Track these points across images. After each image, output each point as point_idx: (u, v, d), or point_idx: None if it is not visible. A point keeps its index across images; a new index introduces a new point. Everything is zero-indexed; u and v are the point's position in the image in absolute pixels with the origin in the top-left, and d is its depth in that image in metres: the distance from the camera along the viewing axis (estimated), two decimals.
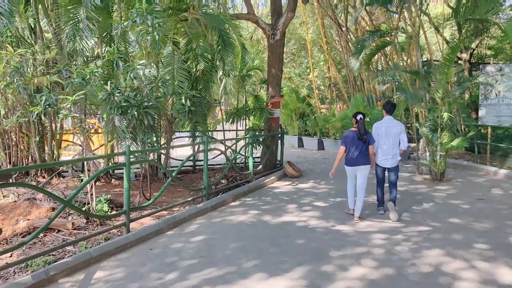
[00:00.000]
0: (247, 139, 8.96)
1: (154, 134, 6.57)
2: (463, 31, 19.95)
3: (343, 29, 15.38)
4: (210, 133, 10.53)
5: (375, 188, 6.75)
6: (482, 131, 11.22)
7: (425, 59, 15.96)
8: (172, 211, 6.39)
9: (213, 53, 7.74)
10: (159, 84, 6.26)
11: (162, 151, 8.30)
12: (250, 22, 10.08)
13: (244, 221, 6.08)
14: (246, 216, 6.37)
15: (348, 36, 15.69)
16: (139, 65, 5.84)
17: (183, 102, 6.85)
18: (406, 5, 9.43)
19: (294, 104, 17.02)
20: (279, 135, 10.31)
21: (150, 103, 5.95)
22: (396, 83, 9.87)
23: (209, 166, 10.46)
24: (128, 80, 5.83)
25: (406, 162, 12.23)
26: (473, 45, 19.78)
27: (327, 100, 18.22)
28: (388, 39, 9.70)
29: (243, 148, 9.35)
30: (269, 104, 9.88)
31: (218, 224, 5.93)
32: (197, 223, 5.99)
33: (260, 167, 9.49)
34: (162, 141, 8.58)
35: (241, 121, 10.08)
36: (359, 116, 5.98)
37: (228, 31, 7.72)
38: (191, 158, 9.92)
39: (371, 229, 5.64)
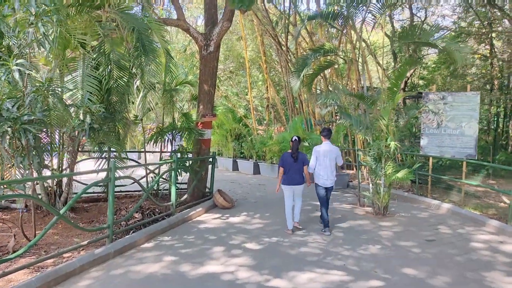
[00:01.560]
0: (170, 163, 7.61)
1: (38, 157, 5.03)
2: (398, 59, 20.30)
3: (283, 48, 14.67)
4: (128, 155, 9.04)
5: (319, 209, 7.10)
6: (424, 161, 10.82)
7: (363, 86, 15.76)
8: (62, 259, 4.87)
9: (132, 59, 6.40)
10: (48, 93, 4.81)
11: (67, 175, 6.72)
12: (181, 29, 8.87)
13: (155, 274, 4.72)
14: (159, 265, 5.02)
15: (288, 56, 15.01)
16: (16, 65, 4.36)
17: (81, 118, 5.40)
18: (350, 22, 8.77)
19: (230, 125, 15.91)
20: (210, 159, 9.08)
21: (33, 117, 4.47)
22: (338, 107, 9.12)
23: (126, 193, 9.07)
24: (2, 86, 4.34)
25: (345, 191, 11.50)
26: (408, 74, 20.17)
27: (265, 122, 17.36)
28: (331, 59, 8.97)
29: (166, 174, 8.00)
30: (199, 124, 8.65)
31: (119, 279, 4.52)
32: (91, 277, 4.53)
33: (185, 196, 8.15)
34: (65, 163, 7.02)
35: (167, 142, 8.73)
36: (294, 138, 6.78)
37: (150, 35, 6.44)
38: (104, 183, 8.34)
39: (314, 285, 4.55)
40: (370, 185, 8.71)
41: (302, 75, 8.05)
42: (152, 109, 9.03)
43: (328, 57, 9.13)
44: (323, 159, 6.88)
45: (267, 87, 16.40)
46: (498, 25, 17.84)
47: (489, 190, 10.59)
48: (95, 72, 6.48)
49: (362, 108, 11.15)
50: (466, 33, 18.29)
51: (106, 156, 7.16)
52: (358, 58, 13.27)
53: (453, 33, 20.41)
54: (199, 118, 8.60)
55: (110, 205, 5.33)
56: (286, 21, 14.05)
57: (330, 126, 13.70)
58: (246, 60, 15.82)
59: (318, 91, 14.97)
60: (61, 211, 4.60)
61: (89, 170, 5.48)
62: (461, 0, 18.11)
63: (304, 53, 10.10)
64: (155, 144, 8.46)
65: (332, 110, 13.39)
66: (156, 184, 8.32)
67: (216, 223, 7.37)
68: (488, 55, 18.67)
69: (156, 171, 9.04)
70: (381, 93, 8.64)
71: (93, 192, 8.31)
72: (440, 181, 10.92)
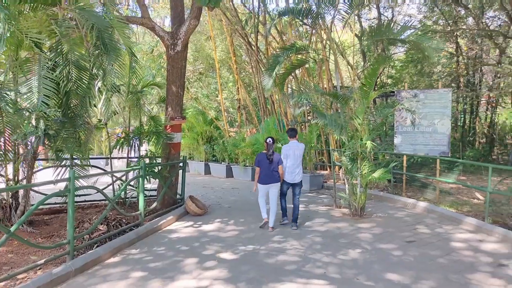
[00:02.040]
0: (138, 170, 7.16)
1: None
2: (367, 58, 20.40)
3: (253, 48, 14.38)
4: (96, 161, 8.50)
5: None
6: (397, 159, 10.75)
7: (335, 85, 15.68)
8: (15, 281, 4.37)
9: (93, 59, 5.91)
10: None
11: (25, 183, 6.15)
12: (145, 28, 8.42)
13: None
14: (126, 282, 4.59)
15: (259, 56, 14.73)
16: None
17: (34, 124, 4.91)
18: (320, 21, 8.57)
19: (201, 127, 15.48)
20: (180, 164, 8.66)
21: None
22: (312, 107, 8.89)
23: (92, 203, 8.52)
24: None
25: (320, 192, 11.32)
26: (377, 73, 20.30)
27: (237, 123, 17.01)
28: (303, 57, 8.73)
29: (134, 181, 7.54)
30: (168, 127, 8.22)
31: None
32: None
33: (155, 204, 7.69)
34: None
35: (133, 147, 8.25)
36: (268, 139, 7.16)
37: (112, 33, 5.98)
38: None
39: None
40: (346, 185, 8.52)
41: (274, 74, 7.76)
42: (118, 113, 8.54)
43: (300, 56, 8.88)
44: (292, 157, 7.29)
45: (238, 88, 16.06)
46: (462, 24, 18.17)
47: (461, 186, 10.65)
48: (52, 73, 5.96)
49: (334, 108, 11.02)
50: (432, 31, 18.54)
51: (68, 164, 6.63)
52: (329, 57, 13.16)
53: (419, 32, 20.71)
54: (168, 121, 8.17)
55: (70, 219, 4.85)
56: (256, 21, 13.76)
57: (303, 126, 13.51)
58: (216, 61, 15.45)
59: (290, 91, 14.74)
60: (12, 228, 4.10)
61: (45, 181, 4.98)
62: None
63: (275, 52, 9.81)
64: (121, 149, 7.96)
65: (305, 110, 13.19)
66: (123, 193, 7.83)
67: (188, 231, 6.97)
68: (454, 53, 19.01)
69: (124, 178, 8.54)
70: (354, 91, 8.47)
71: (55, 203, 7.72)
72: (414, 179, 10.89)
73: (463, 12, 19.23)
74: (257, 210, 7.62)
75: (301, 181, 7.44)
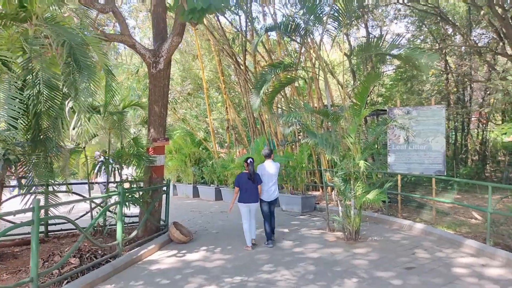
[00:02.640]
0: (116, 196, 6.66)
1: None
2: (357, 77, 20.29)
3: (242, 67, 14.10)
4: (77, 187, 7.99)
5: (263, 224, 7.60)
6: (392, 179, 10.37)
7: (325, 104, 15.42)
8: None
9: (64, 76, 5.49)
10: None
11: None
12: (126, 45, 8.06)
13: None
14: None
15: (247, 76, 14.44)
16: None
17: None
18: (309, 38, 8.29)
19: (188, 149, 15.03)
20: (164, 188, 8.18)
21: None
22: (302, 126, 8.54)
23: (69, 231, 7.95)
24: None
25: (312, 215, 10.86)
26: None
27: (226, 144, 16.60)
28: (292, 75, 8.43)
29: (114, 207, 7.04)
30: (150, 150, 7.78)
31: None
32: None
33: (134, 232, 7.16)
34: None
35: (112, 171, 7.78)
36: (249, 160, 7.29)
37: (86, 50, 5.59)
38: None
39: None
40: (340, 208, 8.11)
41: (262, 92, 7.41)
42: (97, 135, 8.08)
43: (288, 74, 8.57)
44: (268, 176, 7.48)
45: (226, 108, 15.71)
46: (450, 42, 18.16)
47: (457, 206, 10.27)
48: (21, 94, 5.53)
49: (325, 127, 10.68)
50: (421, 49, 18.50)
51: (38, 191, 6.12)
52: (319, 75, 12.90)
53: (407, 50, 20.71)
54: (150, 143, 7.73)
55: (34, 253, 4.34)
56: (243, 39, 13.52)
57: (294, 146, 13.14)
58: (204, 80, 15.13)
59: (280, 111, 14.43)
60: None
61: (5, 212, 4.48)
62: (415, 19, 18.46)
63: (263, 70, 9.52)
64: (99, 174, 7.48)
65: (295, 130, 12.85)
66: (101, 221, 7.32)
67: (171, 262, 6.46)
68: (443, 70, 18.95)
69: (104, 204, 8.02)
70: (345, 110, 8.15)
71: (28, 233, 7.17)
72: (409, 199, 10.50)
73: (450, 30, 19.32)
74: (241, 236, 7.56)
75: (276, 198, 7.69)
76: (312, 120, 9.44)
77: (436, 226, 8.53)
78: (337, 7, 7.59)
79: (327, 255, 6.71)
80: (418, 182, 13.99)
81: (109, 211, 7.70)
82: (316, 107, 13.28)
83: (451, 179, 10.63)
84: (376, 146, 16.37)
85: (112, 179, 8.05)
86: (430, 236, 7.89)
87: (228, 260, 6.50)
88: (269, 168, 7.57)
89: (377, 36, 21.82)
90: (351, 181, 7.59)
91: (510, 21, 13.31)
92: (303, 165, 11.41)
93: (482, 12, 15.29)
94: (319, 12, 7.66)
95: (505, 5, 13.71)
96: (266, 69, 8.03)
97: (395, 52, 7.45)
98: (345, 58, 20.06)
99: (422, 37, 19.55)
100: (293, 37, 8.08)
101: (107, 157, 7.53)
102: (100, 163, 7.47)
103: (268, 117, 14.05)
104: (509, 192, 10.64)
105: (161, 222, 8.23)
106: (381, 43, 7.44)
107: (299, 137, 11.56)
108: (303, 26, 7.63)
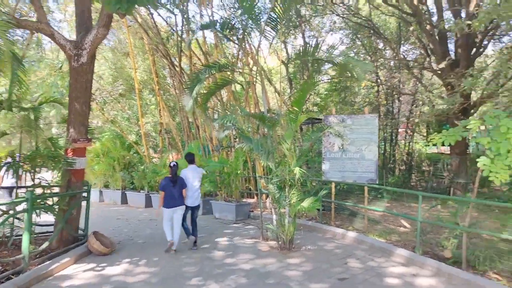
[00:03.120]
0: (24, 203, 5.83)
1: None
2: (294, 86, 20.48)
3: (177, 69, 13.53)
4: None
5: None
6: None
7: (262, 110, 15.25)
8: None
9: None
10: None
11: None
12: (43, 34, 7.22)
13: None
14: None
15: (183, 78, 13.88)
16: None
17: None
18: (247, 41, 8.01)
19: (117, 152, 14.09)
20: (85, 194, 7.40)
21: None
22: (237, 130, 8.20)
23: None
24: None
25: (246, 223, 10.53)
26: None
27: (158, 149, 15.84)
28: (228, 77, 8.08)
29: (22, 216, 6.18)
30: (69, 151, 6.99)
31: None
32: None
33: (46, 244, 6.32)
34: None
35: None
36: (172, 164, 7.33)
37: None
38: None
39: None
40: (274, 216, 7.85)
41: (195, 92, 6.96)
42: (6, 133, 7.14)
43: (225, 77, 8.21)
44: (191, 181, 7.57)
45: (160, 110, 14.99)
46: (381, 55, 18.90)
47: (387, 214, 10.48)
48: None
49: (261, 133, 10.44)
50: (356, 59, 19.07)
51: None
52: (256, 80, 12.70)
53: (344, 58, 21.30)
54: (69, 144, 6.95)
55: None
56: (179, 39, 12.97)
57: (229, 151, 12.78)
58: (136, 81, 14.32)
59: (216, 115, 14.03)
60: None
61: None
62: (349, 31, 19.00)
63: (198, 71, 9.06)
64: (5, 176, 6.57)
65: (230, 135, 12.51)
66: (4, 230, 6.43)
67: (87, 277, 5.77)
68: (374, 82, 19.70)
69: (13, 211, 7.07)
70: (281, 116, 7.95)
71: None
72: (343, 207, 10.54)
73: (381, 45, 20.17)
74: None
75: (199, 204, 7.82)
76: (248, 125, 9.12)
77: (367, 234, 8.57)
78: (275, 15, 7.39)
79: (259, 266, 6.39)
80: (351, 190, 14.23)
81: (18, 219, 6.80)
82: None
83: (383, 188, 10.85)
84: (311, 154, 16.53)
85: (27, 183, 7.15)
86: (362, 244, 7.88)
87: (153, 274, 5.94)
88: (192, 173, 7.67)
89: (313, 45, 22.30)
90: (286, 189, 7.36)
91: (437, 38, 14.05)
92: (238, 172, 11.09)
93: (411, 28, 16.10)
94: (257, 13, 7.39)
95: (433, 23, 14.49)
96: (200, 69, 7.59)
97: (333, 59, 7.36)
98: (283, 66, 20.21)
99: (355, 49, 20.18)
100: (230, 38, 7.73)
101: (15, 159, 6.64)
102: (5, 165, 6.56)
103: (203, 121, 13.60)
104: (435, 202, 11.05)
105: (80, 232, 7.43)
106: (318, 51, 7.33)
107: (235, 142, 11.21)
108: (240, 27, 7.33)
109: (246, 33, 7.98)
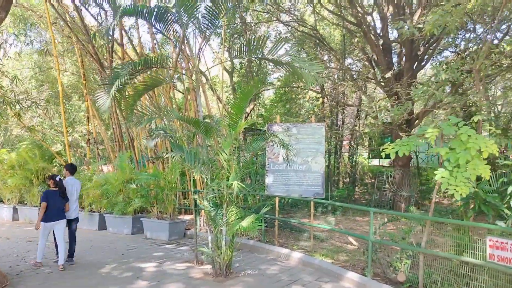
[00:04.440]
0: None
1: None
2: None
3: (107, 72, 12.19)
4: None
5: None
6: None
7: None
8: None
9: None
10: None
11: None
12: None
13: None
14: None
15: None
16: None
17: None
18: (188, 42, 7.02)
19: (36, 164, 12.36)
20: None
21: None
22: (167, 137, 7.13)
23: None
24: None
25: (181, 243, 9.39)
26: (248, 110, 19.64)
27: (85, 160, 14.25)
28: (158, 77, 7.02)
29: None
30: None
31: None
32: None
33: None
34: None
35: None
36: (57, 178, 7.15)
37: None
38: None
39: None
40: (209, 237, 6.83)
41: (113, 90, 5.83)
42: None
43: (154, 76, 7.14)
44: (70, 193, 7.37)
45: (88, 117, 13.48)
46: (326, 66, 18.64)
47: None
48: None
49: (200, 141, 9.41)
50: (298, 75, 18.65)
51: None
52: (196, 86, 11.69)
53: (287, 72, 20.96)
54: None
55: None
56: (110, 38, 11.69)
57: (160, 161, 11.57)
58: (60, 84, 12.73)
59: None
60: None
61: None
62: (294, 42, 18.58)
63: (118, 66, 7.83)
64: None
65: (162, 143, 11.35)
66: None
67: None
68: (319, 93, 19.42)
69: None
70: (220, 121, 7.01)
71: None
72: (287, 224, 9.73)
73: (326, 57, 20.00)
74: (91, 270, 6.88)
75: (77, 216, 7.61)
76: (185, 134, 8.09)
77: (314, 254, 7.81)
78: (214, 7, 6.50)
79: None
80: (295, 204, 13.55)
81: None
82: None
83: (330, 203, 10.18)
84: (255, 166, 15.69)
85: None
86: (309, 267, 7.08)
87: None
88: (73, 185, 7.55)
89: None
90: (223, 205, 6.39)
91: (381, 49, 13.89)
92: (173, 185, 9.94)
93: (356, 39, 15.94)
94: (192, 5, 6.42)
95: (378, 33, 14.35)
96: (121, 64, 6.48)
97: (279, 58, 6.56)
98: (227, 75, 19.38)
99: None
100: (163, 32, 6.68)
101: None
102: None
103: (137, 131, 12.32)
104: (381, 217, 10.56)
105: None
106: (262, 48, 6.49)
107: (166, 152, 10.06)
108: (172, 18, 6.31)
109: (182, 28, 6.98)
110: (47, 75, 16.10)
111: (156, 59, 6.34)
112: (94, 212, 11.35)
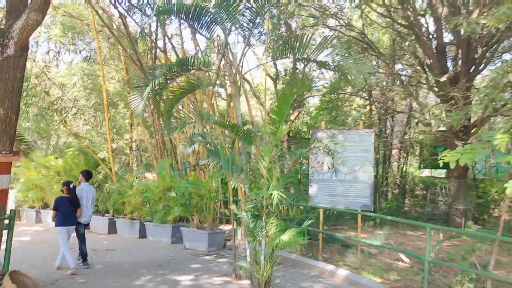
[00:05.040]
0: None
1: None
2: None
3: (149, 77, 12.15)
4: None
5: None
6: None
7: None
8: None
9: None
10: None
11: None
12: None
13: None
14: None
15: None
16: None
17: None
18: (226, 43, 6.70)
19: (80, 170, 12.46)
20: (6, 221, 5.85)
21: None
22: (205, 143, 6.81)
23: None
24: None
25: (220, 254, 9.02)
26: (292, 117, 19.12)
27: (127, 168, 14.31)
28: (198, 79, 6.72)
29: None
30: None
31: None
32: None
33: None
34: None
35: None
36: (71, 185, 7.40)
37: None
38: None
39: None
40: (248, 250, 6.40)
41: (146, 93, 5.57)
42: None
43: (192, 79, 6.84)
44: (85, 199, 7.65)
45: (131, 125, 13.54)
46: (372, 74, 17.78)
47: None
48: None
49: (241, 148, 9.06)
50: (345, 81, 17.92)
51: None
52: (239, 91, 11.38)
53: (333, 80, 20.31)
54: None
55: None
56: (153, 44, 11.65)
57: (201, 169, 11.30)
58: (104, 91, 12.86)
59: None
60: None
61: None
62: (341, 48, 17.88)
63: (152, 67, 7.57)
64: None
65: (201, 150, 11.09)
66: None
67: None
68: (367, 100, 18.61)
69: None
70: (260, 126, 6.60)
71: None
72: (332, 237, 9.09)
73: (375, 62, 19.11)
74: (126, 281, 6.63)
75: (89, 222, 8.01)
76: (223, 140, 7.75)
77: (361, 271, 7.16)
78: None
79: None
80: (341, 215, 12.86)
81: None
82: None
83: (380, 216, 9.43)
84: (298, 176, 15.11)
85: None
86: (355, 286, 6.47)
87: None
88: (87, 191, 7.79)
89: (304, 63, 21.20)
90: (262, 217, 5.93)
91: (435, 52, 12.98)
92: (214, 194, 9.62)
93: (407, 43, 15.06)
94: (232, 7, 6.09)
95: (431, 35, 13.45)
96: (156, 65, 6.24)
97: (324, 59, 6.07)
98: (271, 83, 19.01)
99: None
100: (198, 29, 6.36)
101: None
102: None
103: (177, 139, 12.17)
104: (434, 232, 9.64)
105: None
106: (306, 46, 6.02)
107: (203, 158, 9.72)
108: (211, 17, 5.98)
109: (221, 28, 6.66)
110: (95, 83, 16.45)
111: (192, 60, 6.04)
112: (135, 220, 11.26)
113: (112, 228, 11.74)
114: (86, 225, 7.91)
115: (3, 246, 5.79)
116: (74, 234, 7.59)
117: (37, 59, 14.46)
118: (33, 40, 14.61)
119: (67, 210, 7.23)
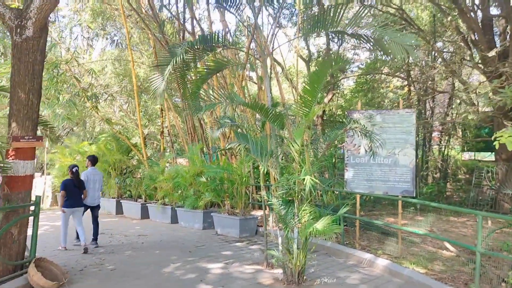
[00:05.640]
0: None
1: None
2: None
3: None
4: None
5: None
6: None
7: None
8: None
9: None
10: None
11: None
12: None
13: None
14: None
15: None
16: None
17: None
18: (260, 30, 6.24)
19: (112, 156, 12.51)
20: (31, 208, 5.74)
21: None
22: (232, 126, 6.44)
23: None
24: None
25: (252, 241, 8.72)
26: (326, 100, 18.47)
27: (159, 153, 14.22)
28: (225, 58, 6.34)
29: None
30: (11, 152, 5.38)
31: None
32: None
33: None
34: None
35: None
36: (75, 169, 7.74)
37: None
38: None
39: None
40: (280, 239, 6.04)
41: (167, 72, 5.24)
42: None
43: (219, 58, 6.46)
44: (92, 183, 8.07)
45: (162, 110, 13.38)
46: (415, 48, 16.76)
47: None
48: None
49: (271, 131, 8.65)
50: (381, 61, 17.03)
51: None
52: (271, 74, 10.96)
53: (368, 61, 19.41)
54: (10, 143, 5.34)
55: None
56: (180, 27, 11.34)
57: (233, 154, 11.00)
58: (134, 75, 12.72)
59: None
60: None
61: None
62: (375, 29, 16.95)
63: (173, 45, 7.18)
64: None
65: (231, 133, 10.74)
66: None
67: None
68: (406, 80, 17.64)
69: None
70: (291, 107, 6.15)
71: None
72: (370, 224, 8.60)
73: (413, 40, 17.98)
74: (155, 268, 6.47)
75: (99, 204, 8.34)
76: (253, 123, 7.37)
77: (402, 261, 6.67)
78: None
79: None
80: (378, 201, 12.29)
81: None
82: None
83: (423, 202, 8.83)
84: (333, 160, 14.56)
85: None
86: (397, 277, 5.97)
87: None
88: (94, 175, 8.18)
89: (337, 45, 20.34)
90: (294, 204, 5.53)
91: (481, 26, 11.98)
92: (244, 179, 9.30)
93: (449, 18, 14.01)
94: None
95: (477, 8, 12.41)
96: (178, 43, 5.87)
97: (360, 31, 5.53)
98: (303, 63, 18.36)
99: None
100: (228, 8, 5.95)
101: None
102: None
103: (207, 122, 11.92)
104: (486, 221, 8.94)
105: (22, 259, 5.73)
106: (339, 18, 5.49)
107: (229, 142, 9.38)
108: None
109: (251, 9, 6.23)
110: (126, 69, 16.41)
111: (216, 36, 5.64)
112: (167, 205, 11.15)
113: (145, 213, 11.72)
114: (97, 207, 8.28)
115: (30, 233, 5.68)
116: (85, 216, 8.02)
117: (70, 45, 14.53)
118: (66, 28, 14.70)
119: (73, 192, 7.57)
